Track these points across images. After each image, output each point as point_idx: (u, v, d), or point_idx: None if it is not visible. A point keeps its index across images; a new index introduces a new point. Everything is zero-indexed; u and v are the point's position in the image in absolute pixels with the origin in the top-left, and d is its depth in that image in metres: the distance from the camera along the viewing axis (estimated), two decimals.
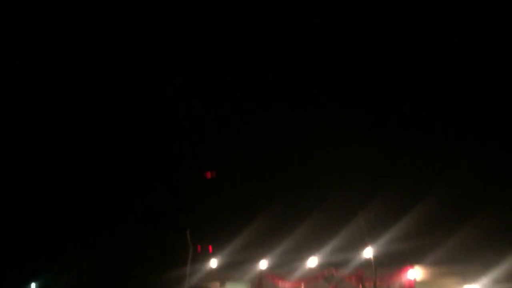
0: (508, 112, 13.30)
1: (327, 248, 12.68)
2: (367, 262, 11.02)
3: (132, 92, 15.92)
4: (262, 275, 13.68)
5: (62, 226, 17.34)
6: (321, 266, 12.96)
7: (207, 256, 14.06)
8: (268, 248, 13.78)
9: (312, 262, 12.88)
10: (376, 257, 10.49)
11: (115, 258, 17.24)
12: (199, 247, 14.25)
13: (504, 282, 10.74)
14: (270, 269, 13.62)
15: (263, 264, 13.52)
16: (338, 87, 15.24)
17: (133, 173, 16.49)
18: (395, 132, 14.72)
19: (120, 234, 17.11)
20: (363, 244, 11.08)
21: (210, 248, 14.95)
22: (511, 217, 13.20)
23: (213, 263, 13.75)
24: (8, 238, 17.32)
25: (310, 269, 13.05)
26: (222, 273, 14.05)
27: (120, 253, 17.41)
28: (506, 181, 13.49)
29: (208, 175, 16.68)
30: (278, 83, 15.63)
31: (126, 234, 16.63)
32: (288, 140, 16.13)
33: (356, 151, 14.28)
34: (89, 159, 16.67)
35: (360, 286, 11.54)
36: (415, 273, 11.77)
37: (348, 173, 14.67)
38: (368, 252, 10.70)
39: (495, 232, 13.28)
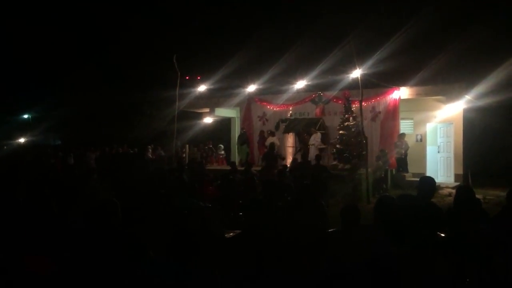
0: None
1: (315, 71, 12.61)
2: (354, 83, 11.01)
3: None
4: (251, 99, 13.84)
5: None
6: (309, 89, 13.07)
7: (195, 82, 14.05)
8: (257, 73, 13.71)
9: (300, 84, 12.95)
10: (362, 78, 10.46)
11: None
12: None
13: (485, 98, 10.98)
14: (259, 93, 13.73)
15: (251, 89, 13.58)
16: None
17: None
18: None
19: None
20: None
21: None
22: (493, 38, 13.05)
23: (202, 87, 13.78)
24: None
25: (298, 92, 13.18)
26: (211, 99, 14.20)
27: None
28: None
29: None
30: None
31: None
32: None
33: None
34: None
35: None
36: (400, 93, 11.94)
37: None
38: (355, 74, 10.63)
39: (478, 51, 13.22)
